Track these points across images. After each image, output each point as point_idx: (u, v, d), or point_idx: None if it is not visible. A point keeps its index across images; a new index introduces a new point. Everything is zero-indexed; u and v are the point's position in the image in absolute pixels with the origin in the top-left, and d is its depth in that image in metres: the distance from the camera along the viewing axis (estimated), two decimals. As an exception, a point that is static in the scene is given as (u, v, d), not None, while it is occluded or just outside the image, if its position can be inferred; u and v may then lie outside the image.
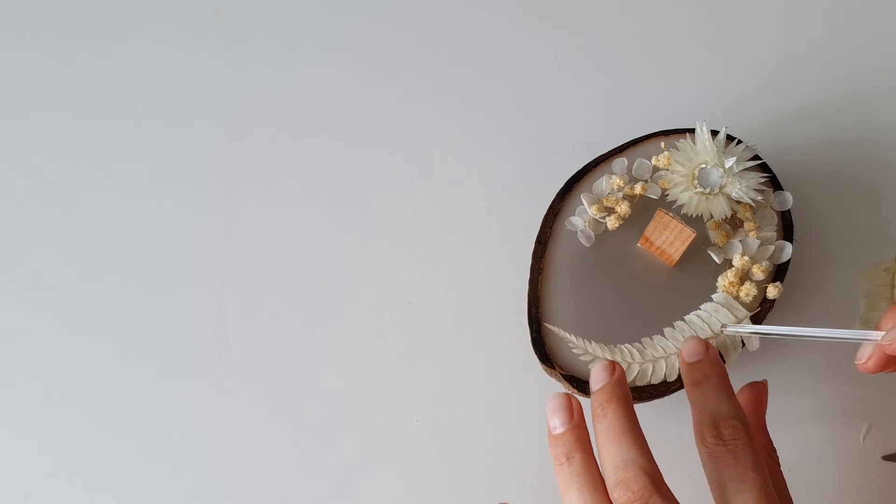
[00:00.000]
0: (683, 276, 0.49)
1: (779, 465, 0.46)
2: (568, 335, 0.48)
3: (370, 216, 0.54)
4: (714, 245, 0.49)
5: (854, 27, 0.57)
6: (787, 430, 0.51)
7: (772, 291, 0.48)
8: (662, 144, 0.50)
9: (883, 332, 0.43)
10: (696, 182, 0.48)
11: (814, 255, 0.53)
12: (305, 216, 0.55)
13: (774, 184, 0.50)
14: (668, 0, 0.57)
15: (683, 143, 0.49)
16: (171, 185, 0.55)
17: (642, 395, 0.47)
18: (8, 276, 0.54)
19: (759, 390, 0.47)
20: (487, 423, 0.52)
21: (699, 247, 0.49)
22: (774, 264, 0.49)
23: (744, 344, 0.47)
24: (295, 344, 0.53)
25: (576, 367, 0.47)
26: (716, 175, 0.48)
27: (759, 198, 0.48)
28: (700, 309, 0.48)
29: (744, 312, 0.48)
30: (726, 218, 0.49)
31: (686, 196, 0.48)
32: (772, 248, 0.49)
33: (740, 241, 0.49)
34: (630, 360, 0.47)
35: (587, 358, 0.47)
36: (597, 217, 0.49)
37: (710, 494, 0.40)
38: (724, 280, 0.48)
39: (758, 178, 0.48)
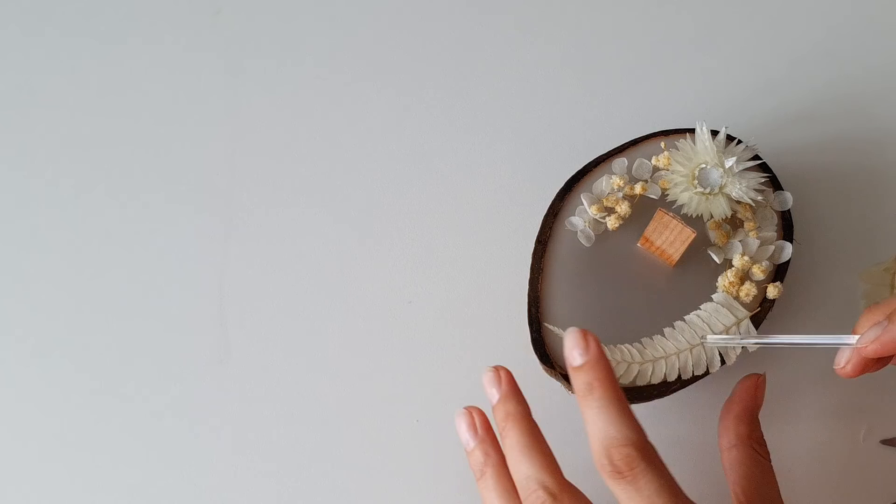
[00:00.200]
0: (683, 276, 0.49)
1: (768, 458, 0.46)
2: (568, 335, 0.48)
3: (370, 216, 0.54)
4: (714, 245, 0.49)
5: (854, 27, 0.57)
6: (787, 430, 0.51)
7: (772, 291, 0.48)
8: (662, 144, 0.50)
9: (858, 336, 0.42)
10: (696, 182, 0.48)
11: (814, 255, 0.53)
12: (305, 216, 0.55)
13: (774, 184, 0.50)
14: (668, 0, 0.57)
15: (683, 143, 0.49)
16: (170, 184, 0.55)
17: (642, 395, 0.47)
18: (8, 275, 0.54)
19: (755, 384, 0.47)
20: (487, 423, 0.52)
21: (699, 247, 0.49)
22: (774, 264, 0.49)
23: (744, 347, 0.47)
24: (295, 343, 0.53)
25: (576, 367, 0.47)
26: (716, 175, 0.48)
27: (759, 198, 0.48)
28: (700, 309, 0.48)
29: (744, 312, 0.48)
30: (726, 218, 0.49)
31: (686, 196, 0.48)
32: (772, 248, 0.49)
33: (740, 241, 0.48)
34: (630, 360, 0.47)
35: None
36: (597, 217, 0.49)
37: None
38: (724, 280, 0.48)
39: (758, 178, 0.48)
